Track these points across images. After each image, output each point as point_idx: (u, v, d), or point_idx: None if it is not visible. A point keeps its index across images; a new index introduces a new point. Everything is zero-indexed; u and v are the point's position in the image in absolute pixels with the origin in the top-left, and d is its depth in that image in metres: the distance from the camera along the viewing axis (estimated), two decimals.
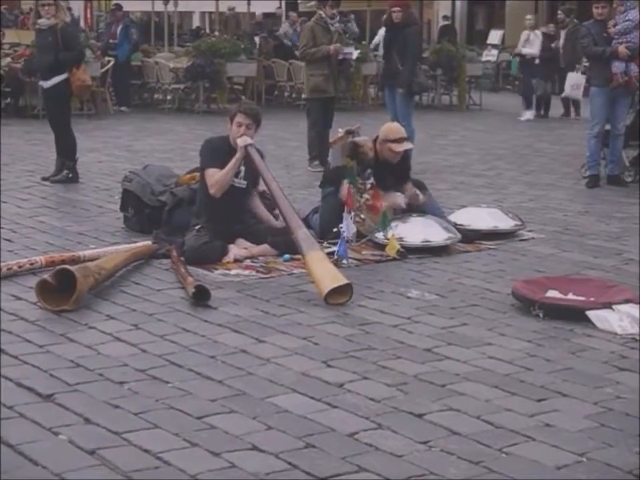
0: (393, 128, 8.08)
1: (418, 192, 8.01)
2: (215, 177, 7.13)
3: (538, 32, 19.18)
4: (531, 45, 18.73)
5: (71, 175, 10.48)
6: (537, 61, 18.88)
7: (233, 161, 7.11)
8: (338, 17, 12.59)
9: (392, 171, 7.94)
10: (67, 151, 10.55)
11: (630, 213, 9.36)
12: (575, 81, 15.37)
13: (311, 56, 11.98)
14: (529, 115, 18.75)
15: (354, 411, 4.38)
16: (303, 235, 6.55)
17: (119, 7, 20.50)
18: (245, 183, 7.28)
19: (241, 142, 7.11)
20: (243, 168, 7.22)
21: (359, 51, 11.84)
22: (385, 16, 12.40)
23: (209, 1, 24.82)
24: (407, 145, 8.01)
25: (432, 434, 4.15)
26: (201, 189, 7.35)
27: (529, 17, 20.23)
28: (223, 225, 7.12)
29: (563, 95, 16.39)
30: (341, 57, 11.87)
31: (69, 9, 21.45)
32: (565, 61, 18.07)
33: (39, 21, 10.49)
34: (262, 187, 7.36)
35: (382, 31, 13.75)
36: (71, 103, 10.97)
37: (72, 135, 10.64)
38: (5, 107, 17.00)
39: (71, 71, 10.23)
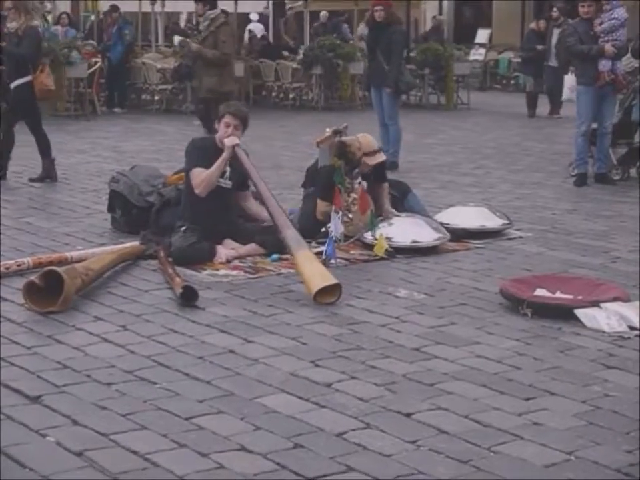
0: (365, 141, 7.96)
1: (389, 209, 7.98)
2: (201, 177, 7.12)
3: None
4: None
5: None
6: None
7: (220, 160, 7.11)
8: (209, 15, 12.55)
9: (368, 175, 7.94)
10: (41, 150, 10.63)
11: (617, 211, 9.37)
12: (571, 82, 15.29)
13: None
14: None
15: (342, 411, 4.37)
16: (291, 234, 6.55)
17: (114, 8, 20.40)
18: (230, 183, 7.28)
19: (228, 142, 7.12)
20: (228, 168, 7.22)
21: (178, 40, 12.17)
22: (367, 15, 12.43)
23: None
24: (379, 158, 7.97)
25: (420, 433, 4.15)
26: (186, 189, 7.34)
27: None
28: (208, 225, 7.11)
29: (564, 98, 16.12)
30: None
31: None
32: (558, 62, 17.95)
33: (8, 24, 10.67)
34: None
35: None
36: (37, 103, 11.05)
37: (44, 134, 10.70)
38: None
39: (35, 73, 10.39)
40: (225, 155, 7.12)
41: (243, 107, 7.67)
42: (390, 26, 11.77)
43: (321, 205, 7.61)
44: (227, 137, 7.15)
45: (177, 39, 12.26)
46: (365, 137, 8.08)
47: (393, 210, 7.95)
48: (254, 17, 27.41)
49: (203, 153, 7.25)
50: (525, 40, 19.76)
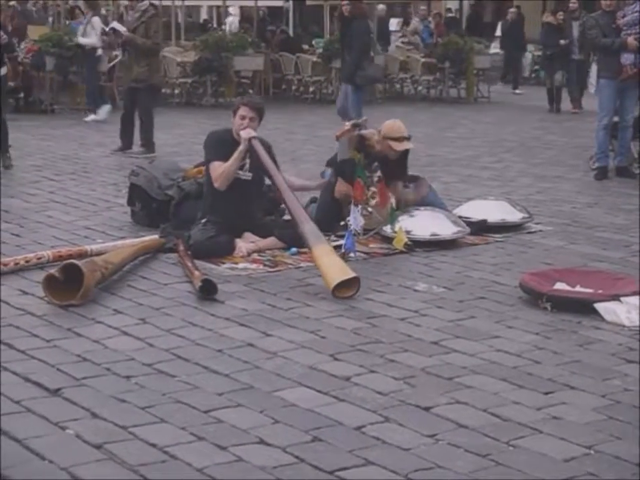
0: (395, 126, 7.98)
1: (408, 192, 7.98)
2: (219, 170, 7.12)
3: (96, 18, 16.26)
4: (89, 35, 16.15)
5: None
6: (99, 52, 16.24)
7: (236, 153, 7.10)
8: (140, 7, 12.64)
9: (389, 167, 7.92)
10: None
11: (638, 204, 9.32)
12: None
13: None
14: (97, 116, 15.97)
15: (361, 405, 4.37)
16: (309, 228, 6.53)
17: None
18: (251, 175, 7.28)
19: (244, 134, 7.11)
20: (247, 160, 7.22)
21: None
22: (337, 11, 12.61)
23: None
24: (407, 145, 7.96)
25: (439, 427, 4.14)
26: (206, 183, 7.34)
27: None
28: (229, 218, 7.11)
29: (593, 90, 15.91)
30: None
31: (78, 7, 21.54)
32: (583, 55, 17.82)
33: None
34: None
35: None
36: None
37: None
38: (16, 102, 17.10)
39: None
40: (241, 147, 7.11)
41: (258, 99, 7.66)
42: (354, 20, 11.81)
43: (341, 185, 7.63)
44: (243, 130, 7.15)
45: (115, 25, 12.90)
46: (395, 122, 8.12)
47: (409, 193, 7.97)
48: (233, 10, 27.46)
49: (220, 145, 7.24)
50: (544, 35, 19.47)
